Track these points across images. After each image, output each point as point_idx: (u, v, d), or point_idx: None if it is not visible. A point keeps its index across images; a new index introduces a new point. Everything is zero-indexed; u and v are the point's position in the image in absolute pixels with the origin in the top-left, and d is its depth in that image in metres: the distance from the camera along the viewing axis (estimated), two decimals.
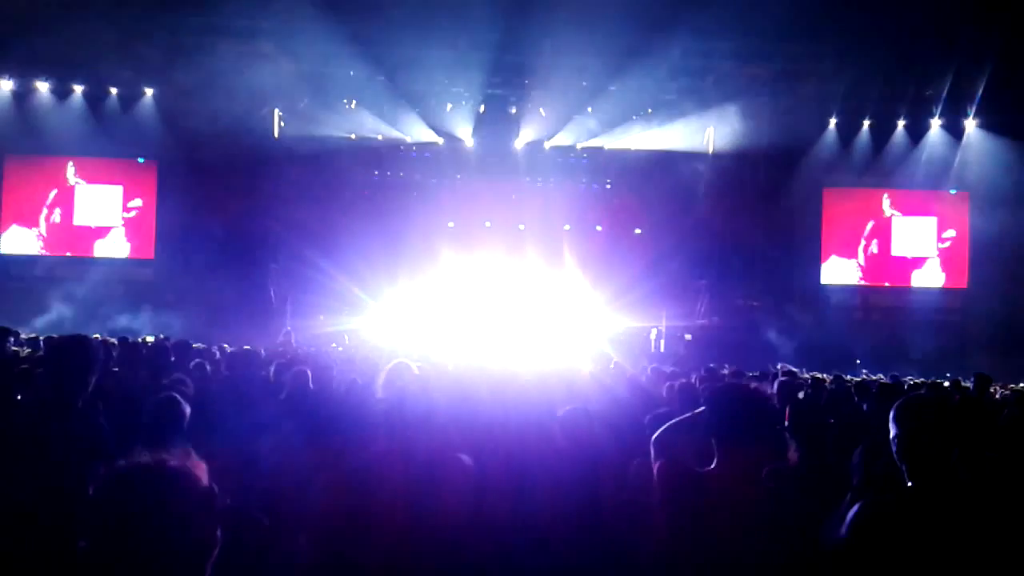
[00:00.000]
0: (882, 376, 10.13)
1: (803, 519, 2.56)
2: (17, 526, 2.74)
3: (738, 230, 17.89)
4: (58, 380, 3.28)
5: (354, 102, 18.12)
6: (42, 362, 5.05)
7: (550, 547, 3.08)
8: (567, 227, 19.29)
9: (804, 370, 11.01)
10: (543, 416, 3.73)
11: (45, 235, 18.31)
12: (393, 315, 17.98)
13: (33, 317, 15.82)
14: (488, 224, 19.39)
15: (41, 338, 9.29)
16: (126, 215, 18.45)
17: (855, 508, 2.32)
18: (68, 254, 18.32)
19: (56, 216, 18.33)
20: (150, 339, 11.20)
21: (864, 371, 13.56)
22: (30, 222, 18.27)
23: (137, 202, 18.44)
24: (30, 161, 18.33)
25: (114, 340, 8.64)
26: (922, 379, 10.57)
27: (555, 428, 3.60)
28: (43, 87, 17.73)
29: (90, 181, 18.41)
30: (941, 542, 2.18)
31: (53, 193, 18.31)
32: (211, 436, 3.45)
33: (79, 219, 18.37)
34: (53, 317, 16.00)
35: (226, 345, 9.63)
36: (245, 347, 7.70)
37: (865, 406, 6.36)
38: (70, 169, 18.35)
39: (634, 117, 18.25)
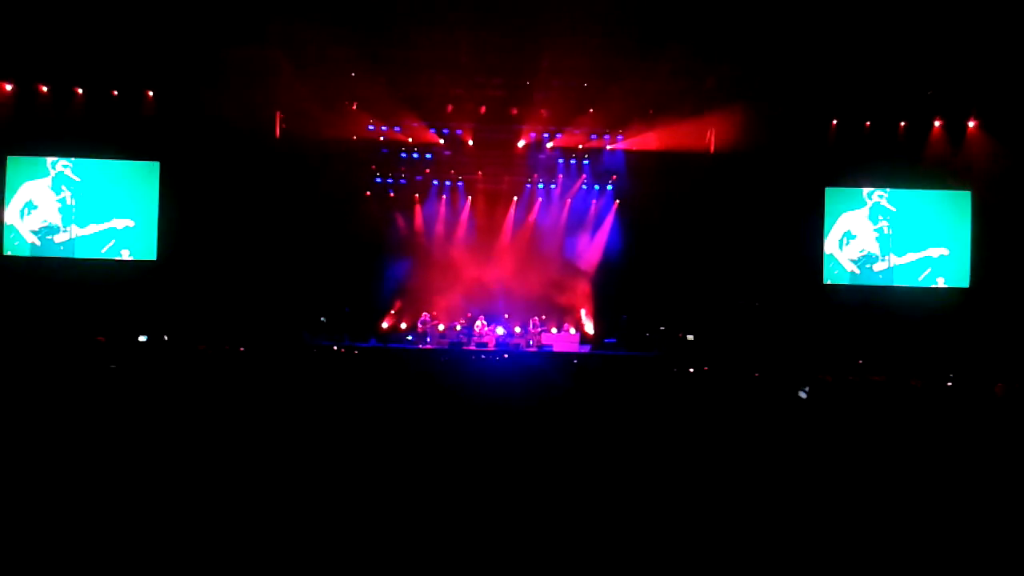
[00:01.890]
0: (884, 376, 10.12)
1: None
2: None
3: (739, 230, 17.91)
4: (63, 379, 3.31)
5: (355, 103, 18.15)
6: (50, 363, 5.08)
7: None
8: (568, 230, 19.35)
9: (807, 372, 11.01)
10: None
11: (47, 237, 18.31)
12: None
13: (36, 319, 15.86)
14: (491, 220, 19.48)
15: (44, 340, 9.30)
16: (128, 217, 18.44)
17: None
18: (70, 256, 18.29)
19: (57, 217, 18.33)
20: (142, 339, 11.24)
21: (866, 371, 13.55)
22: (31, 223, 18.27)
23: (139, 204, 18.42)
24: (31, 162, 18.33)
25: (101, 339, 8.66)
26: (924, 379, 10.55)
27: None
28: (44, 88, 17.77)
29: (91, 182, 18.41)
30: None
31: (54, 194, 18.31)
32: None
33: (80, 220, 18.37)
34: (55, 319, 16.03)
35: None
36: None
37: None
38: (71, 170, 18.36)
39: (635, 118, 18.27)
